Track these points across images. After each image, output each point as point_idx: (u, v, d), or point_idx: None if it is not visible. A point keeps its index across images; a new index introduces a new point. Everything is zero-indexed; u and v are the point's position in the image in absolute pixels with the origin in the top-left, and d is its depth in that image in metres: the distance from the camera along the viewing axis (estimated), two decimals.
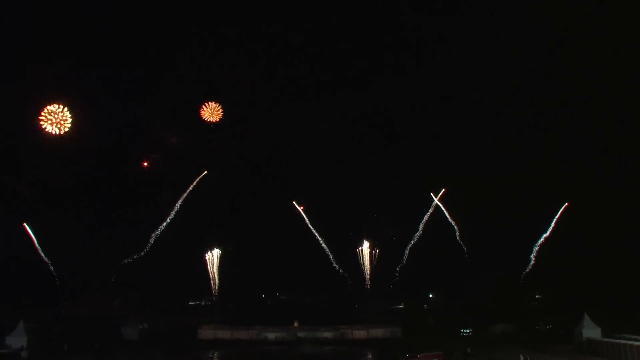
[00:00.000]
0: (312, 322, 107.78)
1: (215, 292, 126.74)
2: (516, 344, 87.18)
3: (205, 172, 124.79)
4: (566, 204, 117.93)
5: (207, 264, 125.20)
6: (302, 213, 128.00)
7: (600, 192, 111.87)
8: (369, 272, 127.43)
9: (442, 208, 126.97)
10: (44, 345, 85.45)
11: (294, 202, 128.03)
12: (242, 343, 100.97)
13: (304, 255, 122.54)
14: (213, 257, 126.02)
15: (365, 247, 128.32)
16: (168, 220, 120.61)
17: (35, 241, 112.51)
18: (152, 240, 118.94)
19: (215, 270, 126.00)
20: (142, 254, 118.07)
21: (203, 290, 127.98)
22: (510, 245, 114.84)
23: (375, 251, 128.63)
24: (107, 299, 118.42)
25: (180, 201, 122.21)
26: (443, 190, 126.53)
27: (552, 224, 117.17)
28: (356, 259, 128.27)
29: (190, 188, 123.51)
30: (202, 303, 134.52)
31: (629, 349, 65.54)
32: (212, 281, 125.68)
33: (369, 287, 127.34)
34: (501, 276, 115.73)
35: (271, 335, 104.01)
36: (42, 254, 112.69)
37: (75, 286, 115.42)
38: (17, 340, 79.20)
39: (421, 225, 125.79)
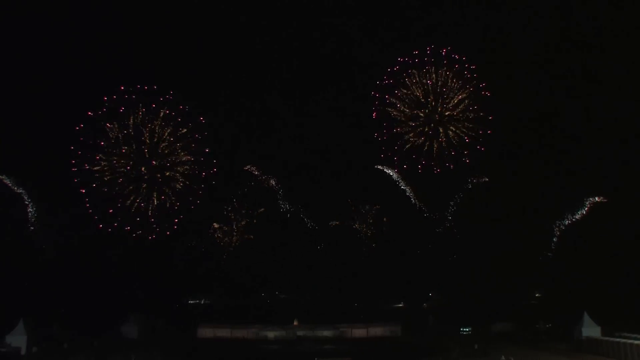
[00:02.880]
0: (311, 320, 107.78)
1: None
2: (515, 342, 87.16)
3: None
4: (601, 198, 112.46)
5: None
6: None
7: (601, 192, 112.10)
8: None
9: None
10: (43, 344, 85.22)
11: (245, 168, 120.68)
12: (242, 342, 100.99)
13: (303, 251, 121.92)
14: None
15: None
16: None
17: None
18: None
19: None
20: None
21: (202, 287, 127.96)
22: (510, 245, 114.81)
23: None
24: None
25: None
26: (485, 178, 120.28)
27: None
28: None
29: None
30: (202, 302, 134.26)
31: (629, 348, 65.39)
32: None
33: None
34: (501, 275, 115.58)
35: (271, 334, 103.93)
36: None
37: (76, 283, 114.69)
38: (17, 339, 78.99)
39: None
